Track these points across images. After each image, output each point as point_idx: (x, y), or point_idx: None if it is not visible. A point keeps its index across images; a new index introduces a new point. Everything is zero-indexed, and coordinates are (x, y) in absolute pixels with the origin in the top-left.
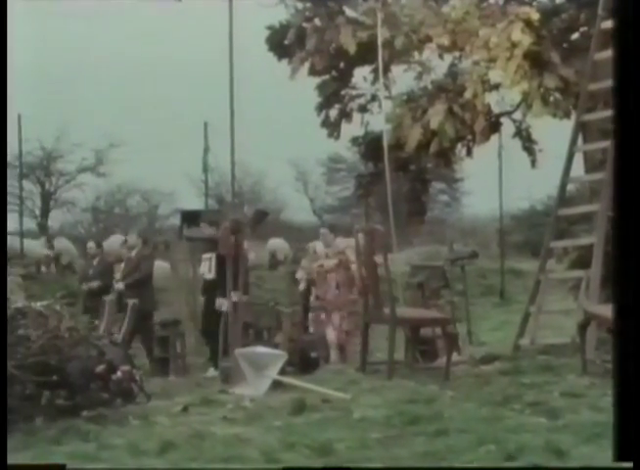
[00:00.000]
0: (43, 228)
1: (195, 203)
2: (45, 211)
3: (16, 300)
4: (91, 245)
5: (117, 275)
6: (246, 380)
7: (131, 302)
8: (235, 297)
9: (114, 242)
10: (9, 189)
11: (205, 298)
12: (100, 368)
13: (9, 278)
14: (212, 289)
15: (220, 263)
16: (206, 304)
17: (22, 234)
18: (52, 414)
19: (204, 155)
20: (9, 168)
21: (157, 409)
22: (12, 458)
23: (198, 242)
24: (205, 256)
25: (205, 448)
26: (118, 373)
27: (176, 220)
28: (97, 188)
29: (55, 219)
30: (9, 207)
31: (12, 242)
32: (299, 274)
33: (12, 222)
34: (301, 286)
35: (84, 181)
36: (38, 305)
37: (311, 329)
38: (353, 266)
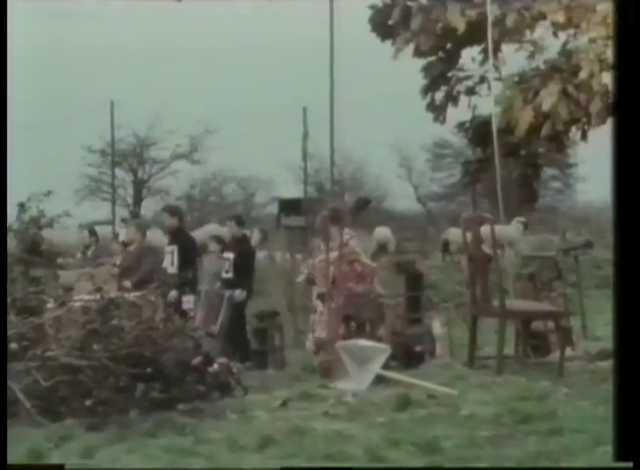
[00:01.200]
0: (135, 217)
1: (293, 190)
2: (138, 200)
3: (109, 290)
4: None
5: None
6: (348, 374)
7: (228, 293)
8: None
9: (208, 231)
10: (102, 177)
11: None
12: (196, 360)
13: (103, 268)
14: (174, 283)
15: (182, 258)
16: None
17: (114, 223)
18: (147, 407)
19: (302, 141)
20: (102, 156)
21: (255, 403)
22: (107, 451)
23: (296, 231)
24: (168, 248)
25: (306, 445)
26: (215, 366)
27: (274, 209)
28: (191, 176)
29: (147, 208)
30: (101, 195)
31: (104, 231)
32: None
33: (104, 211)
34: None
35: (178, 169)
36: (132, 295)
37: (316, 333)
38: (358, 260)
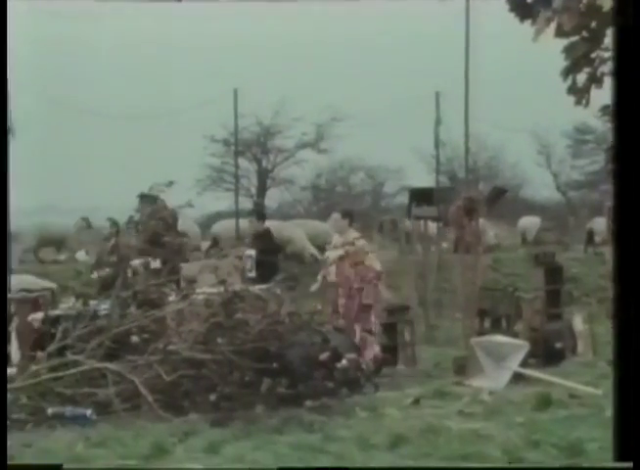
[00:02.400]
0: (260, 208)
1: (424, 180)
2: (262, 190)
3: (233, 282)
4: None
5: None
6: (483, 372)
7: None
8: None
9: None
10: (224, 167)
11: None
12: (324, 356)
13: (227, 260)
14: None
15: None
16: None
17: (237, 214)
18: (273, 403)
19: (435, 127)
20: (225, 145)
21: (385, 401)
22: (232, 447)
23: (428, 222)
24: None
25: (440, 444)
26: (344, 361)
27: (404, 199)
28: (318, 165)
29: (272, 198)
30: (224, 185)
31: (227, 224)
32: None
33: (227, 202)
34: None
35: (304, 158)
36: (257, 288)
37: None
38: (364, 262)
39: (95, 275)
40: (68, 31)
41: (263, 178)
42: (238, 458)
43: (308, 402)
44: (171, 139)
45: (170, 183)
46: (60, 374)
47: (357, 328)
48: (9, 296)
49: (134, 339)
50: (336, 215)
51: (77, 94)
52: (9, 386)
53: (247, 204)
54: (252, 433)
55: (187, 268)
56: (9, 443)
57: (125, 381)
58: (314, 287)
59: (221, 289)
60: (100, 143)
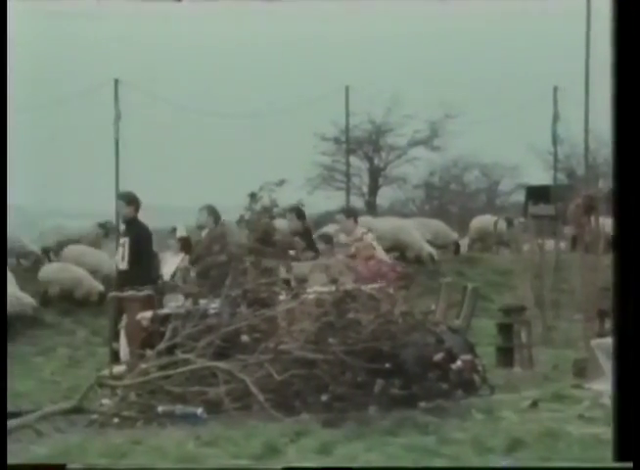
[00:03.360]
0: (371, 206)
1: (541, 177)
2: (373, 189)
3: (344, 282)
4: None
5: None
6: (604, 374)
7: (471, 285)
8: None
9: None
10: (335, 165)
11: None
12: (438, 356)
13: (338, 259)
14: (123, 282)
15: (133, 252)
16: None
17: None
18: (386, 404)
19: (552, 123)
20: (336, 144)
21: (502, 403)
22: (345, 448)
23: (545, 220)
24: (121, 240)
25: (560, 449)
26: (459, 362)
27: (520, 197)
28: (431, 163)
29: (384, 197)
30: (335, 184)
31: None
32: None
33: (338, 200)
34: None
35: (417, 155)
36: (369, 287)
37: None
38: (374, 256)
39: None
40: (149, 32)
41: (375, 177)
42: (350, 459)
43: (422, 404)
44: (282, 137)
45: (281, 182)
46: (169, 372)
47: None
48: (120, 294)
49: (244, 338)
50: (339, 216)
51: (184, 92)
52: (119, 383)
53: (358, 202)
54: (365, 434)
55: (298, 267)
56: (120, 439)
57: (236, 380)
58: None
59: (333, 288)
60: (210, 142)
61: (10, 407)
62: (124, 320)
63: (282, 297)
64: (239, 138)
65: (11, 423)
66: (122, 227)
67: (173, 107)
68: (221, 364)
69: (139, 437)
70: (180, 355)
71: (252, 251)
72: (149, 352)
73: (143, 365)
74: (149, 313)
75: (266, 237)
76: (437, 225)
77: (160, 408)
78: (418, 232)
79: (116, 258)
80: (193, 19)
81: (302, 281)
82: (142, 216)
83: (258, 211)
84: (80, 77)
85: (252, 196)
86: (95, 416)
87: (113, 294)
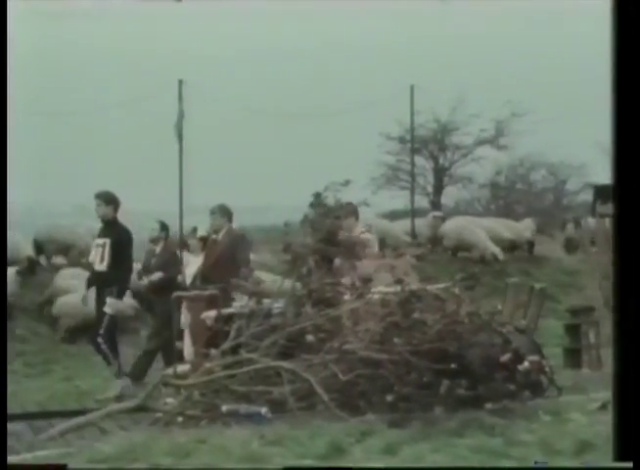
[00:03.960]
0: (436, 206)
1: (609, 176)
2: (438, 188)
3: (409, 282)
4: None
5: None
6: None
7: (538, 286)
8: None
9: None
10: (400, 165)
11: (96, 293)
12: (505, 357)
13: (404, 258)
14: (101, 284)
15: (114, 254)
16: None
17: (413, 213)
18: (452, 404)
19: None
20: (401, 143)
21: (570, 405)
22: (410, 449)
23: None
24: (98, 241)
25: None
26: (526, 363)
27: (588, 196)
28: (497, 162)
29: (449, 196)
30: (399, 183)
31: (402, 223)
32: None
33: (402, 200)
34: None
35: (482, 155)
36: (434, 287)
37: None
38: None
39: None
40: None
41: (440, 176)
42: (416, 460)
43: (489, 405)
44: (347, 137)
45: (347, 182)
46: (234, 372)
47: None
48: (184, 294)
49: (309, 338)
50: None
51: (250, 93)
52: (183, 382)
53: (422, 202)
54: (431, 435)
55: (362, 267)
56: (185, 438)
57: (300, 380)
58: None
59: (398, 288)
60: (275, 142)
61: (74, 405)
62: (189, 319)
63: (346, 297)
64: (304, 138)
65: (76, 421)
66: (101, 227)
67: (238, 107)
68: (285, 364)
69: (203, 436)
70: (244, 355)
71: (317, 250)
72: (213, 352)
73: (207, 364)
74: (213, 313)
75: (331, 237)
76: (513, 225)
77: (225, 407)
78: (482, 232)
79: (92, 258)
80: (260, 18)
81: (367, 281)
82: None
83: (323, 210)
84: (144, 79)
85: (317, 196)
86: (159, 415)
87: (177, 293)
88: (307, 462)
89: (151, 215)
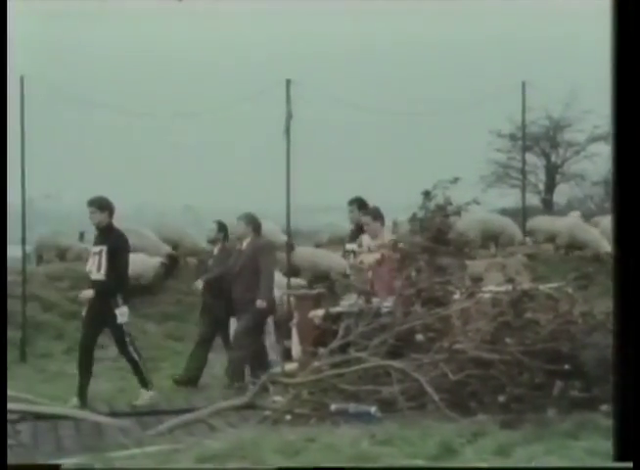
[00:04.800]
0: (548, 204)
1: None
2: (550, 186)
3: (521, 281)
4: (212, 227)
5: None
6: None
7: None
8: None
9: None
10: (510, 162)
11: (90, 303)
12: None
13: (515, 258)
14: (101, 293)
15: (111, 261)
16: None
17: (524, 211)
18: (566, 406)
19: None
20: (511, 140)
21: None
22: (523, 450)
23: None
24: (95, 249)
25: None
26: None
27: None
28: (610, 159)
29: (561, 194)
30: (510, 181)
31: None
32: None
33: (512, 198)
34: None
35: (596, 152)
36: (547, 287)
37: None
38: (400, 261)
39: None
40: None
41: (552, 174)
42: (529, 461)
43: (604, 407)
44: (456, 135)
45: (456, 180)
46: (342, 371)
47: None
48: (292, 292)
49: (419, 337)
50: (365, 219)
51: (357, 91)
52: (292, 380)
53: (534, 200)
54: (544, 436)
55: (473, 266)
56: (294, 436)
57: (410, 379)
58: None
59: (509, 287)
60: (384, 140)
61: (182, 404)
62: (296, 318)
63: (456, 296)
64: (413, 136)
65: (184, 417)
66: (97, 234)
67: (346, 106)
68: (395, 363)
69: (313, 434)
70: (353, 354)
71: (426, 249)
72: (321, 350)
73: (315, 363)
74: (321, 311)
75: (440, 235)
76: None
77: (334, 406)
78: (596, 230)
79: (89, 267)
80: (368, 16)
81: (478, 280)
82: (315, 215)
83: (432, 209)
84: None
85: (426, 194)
86: (267, 413)
87: (285, 292)
88: (419, 462)
89: (260, 216)
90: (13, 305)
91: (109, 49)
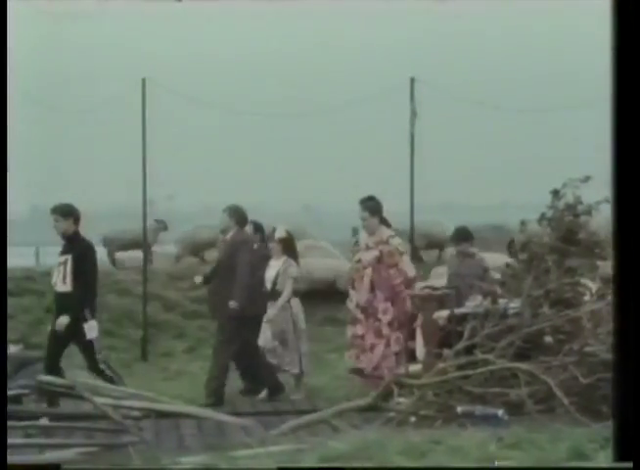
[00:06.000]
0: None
1: None
2: None
3: None
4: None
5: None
6: None
7: None
8: None
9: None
10: None
11: (63, 317)
12: None
13: None
14: (67, 306)
15: (77, 272)
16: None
17: None
18: None
19: None
20: None
21: None
22: None
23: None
24: (60, 259)
25: None
26: None
27: None
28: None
29: None
30: None
31: None
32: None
33: None
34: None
35: None
36: None
37: (350, 352)
38: (402, 259)
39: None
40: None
41: None
42: None
43: None
44: (586, 132)
45: (587, 178)
46: (468, 372)
47: (401, 337)
48: (415, 293)
49: (547, 339)
50: (363, 214)
51: (478, 87)
52: (417, 382)
53: None
54: None
55: (604, 267)
56: (419, 438)
57: (538, 382)
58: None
59: None
60: (512, 137)
61: (306, 406)
62: (420, 319)
63: (586, 297)
64: (541, 133)
65: (307, 418)
66: (63, 244)
67: (472, 103)
68: (523, 365)
69: (438, 436)
70: (479, 356)
71: (555, 249)
72: (446, 352)
73: (441, 365)
74: (445, 312)
75: (570, 235)
76: None
77: (460, 409)
78: None
79: (54, 279)
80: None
81: (608, 281)
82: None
83: (562, 208)
84: (377, 79)
85: (555, 193)
86: (391, 414)
87: (408, 292)
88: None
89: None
90: (134, 305)
91: (223, 51)
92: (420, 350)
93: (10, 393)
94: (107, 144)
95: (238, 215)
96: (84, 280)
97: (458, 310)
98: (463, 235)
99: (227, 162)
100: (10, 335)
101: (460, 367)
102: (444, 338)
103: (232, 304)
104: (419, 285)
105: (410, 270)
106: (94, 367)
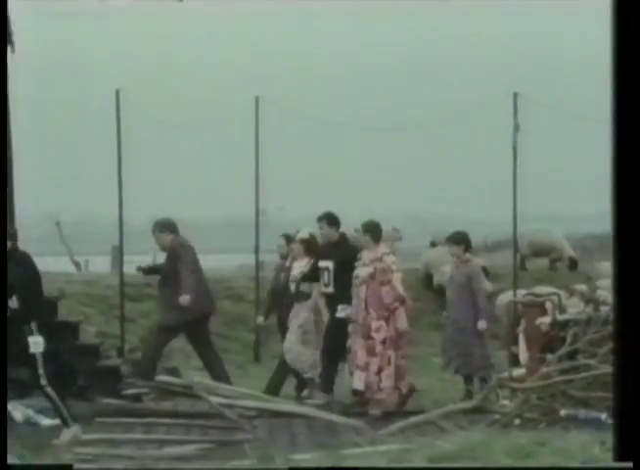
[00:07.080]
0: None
1: None
2: None
3: None
4: (280, 243)
5: None
6: None
7: None
8: None
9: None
10: None
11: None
12: None
13: None
14: (13, 322)
15: (21, 285)
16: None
17: None
18: None
19: None
20: None
21: None
22: None
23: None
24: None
25: None
26: None
27: None
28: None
29: None
30: None
31: None
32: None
33: None
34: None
35: None
36: None
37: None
38: (393, 277)
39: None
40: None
41: None
42: None
43: None
44: None
45: None
46: (571, 377)
47: (393, 355)
48: (517, 299)
49: None
50: (357, 233)
51: (572, 98)
52: (520, 385)
53: None
54: None
55: None
56: (524, 440)
57: None
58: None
59: None
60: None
61: (413, 406)
62: (523, 325)
63: None
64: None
65: (415, 419)
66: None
67: (575, 116)
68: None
69: (543, 438)
70: (582, 361)
71: None
72: (549, 357)
73: (544, 369)
74: (548, 318)
75: None
76: None
77: (563, 412)
78: None
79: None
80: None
81: None
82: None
83: None
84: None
85: None
86: (496, 416)
87: (510, 299)
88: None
89: (487, 225)
90: (248, 310)
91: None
92: (523, 354)
93: (131, 391)
94: (219, 158)
95: (170, 228)
96: (28, 294)
97: (560, 317)
98: (456, 239)
99: (335, 175)
100: (130, 337)
101: (563, 372)
102: (547, 343)
103: (183, 299)
104: (521, 292)
105: (399, 288)
106: (37, 384)
